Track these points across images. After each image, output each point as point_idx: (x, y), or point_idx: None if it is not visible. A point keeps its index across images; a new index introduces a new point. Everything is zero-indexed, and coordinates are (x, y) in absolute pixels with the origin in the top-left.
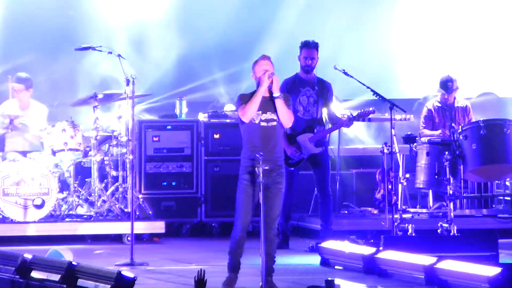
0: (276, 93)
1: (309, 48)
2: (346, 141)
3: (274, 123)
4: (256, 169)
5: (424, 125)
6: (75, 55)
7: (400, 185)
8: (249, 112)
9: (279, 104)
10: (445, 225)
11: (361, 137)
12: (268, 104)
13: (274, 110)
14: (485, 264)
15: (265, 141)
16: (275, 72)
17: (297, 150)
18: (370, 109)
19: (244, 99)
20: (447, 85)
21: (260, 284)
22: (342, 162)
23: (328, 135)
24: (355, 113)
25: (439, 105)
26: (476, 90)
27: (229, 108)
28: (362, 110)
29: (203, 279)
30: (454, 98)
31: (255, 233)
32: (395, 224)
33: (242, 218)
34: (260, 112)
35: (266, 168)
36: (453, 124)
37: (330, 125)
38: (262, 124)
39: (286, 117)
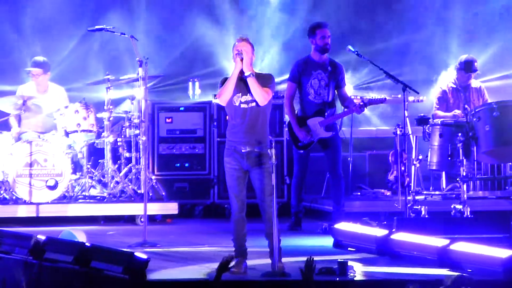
0: (247, 72)
1: (323, 27)
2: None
3: (254, 104)
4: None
5: (437, 106)
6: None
7: (413, 167)
8: (223, 95)
9: (251, 82)
10: (458, 206)
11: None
12: (247, 85)
13: None
14: (498, 246)
15: (245, 123)
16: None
17: (307, 133)
18: (382, 97)
19: (223, 82)
20: (472, 65)
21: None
22: (355, 144)
23: (339, 119)
24: (366, 100)
25: (454, 86)
26: (494, 73)
27: None
28: (374, 98)
29: (227, 264)
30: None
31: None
32: (408, 205)
33: (234, 200)
34: (240, 94)
35: (248, 150)
36: (466, 106)
37: (342, 107)
38: (242, 106)
39: (259, 95)
